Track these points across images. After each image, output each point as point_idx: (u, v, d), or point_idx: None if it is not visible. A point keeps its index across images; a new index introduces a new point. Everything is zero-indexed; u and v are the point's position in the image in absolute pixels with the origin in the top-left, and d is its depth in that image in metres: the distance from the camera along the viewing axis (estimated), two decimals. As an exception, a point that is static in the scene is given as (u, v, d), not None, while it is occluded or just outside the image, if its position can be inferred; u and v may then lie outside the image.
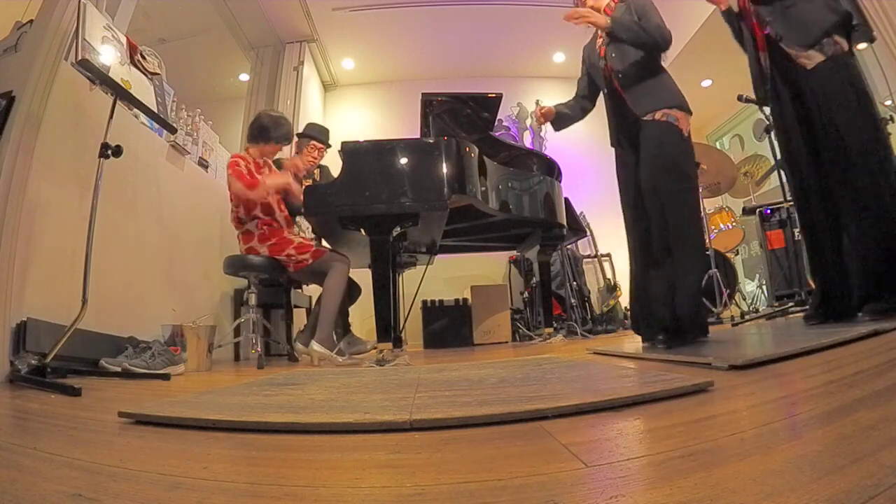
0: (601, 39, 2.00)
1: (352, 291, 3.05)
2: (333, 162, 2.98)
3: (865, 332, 1.30)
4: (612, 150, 2.10)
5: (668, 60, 1.99)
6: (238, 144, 4.47)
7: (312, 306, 3.24)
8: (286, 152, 3.27)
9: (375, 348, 2.74)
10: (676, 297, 1.73)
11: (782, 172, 2.51)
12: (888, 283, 1.55)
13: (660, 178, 1.80)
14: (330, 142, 3.09)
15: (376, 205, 2.17)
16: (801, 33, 1.66)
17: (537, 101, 5.77)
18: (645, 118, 1.84)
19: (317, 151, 3.07)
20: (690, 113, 1.88)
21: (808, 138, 1.73)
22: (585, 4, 2.02)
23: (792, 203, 2.18)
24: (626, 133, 1.96)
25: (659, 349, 1.67)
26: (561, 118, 2.16)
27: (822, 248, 1.77)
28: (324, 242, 2.99)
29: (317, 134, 3.07)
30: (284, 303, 3.10)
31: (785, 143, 1.84)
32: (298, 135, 3.10)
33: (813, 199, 1.76)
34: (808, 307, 1.91)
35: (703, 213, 3.35)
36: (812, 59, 1.64)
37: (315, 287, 2.83)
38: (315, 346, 2.39)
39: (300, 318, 3.53)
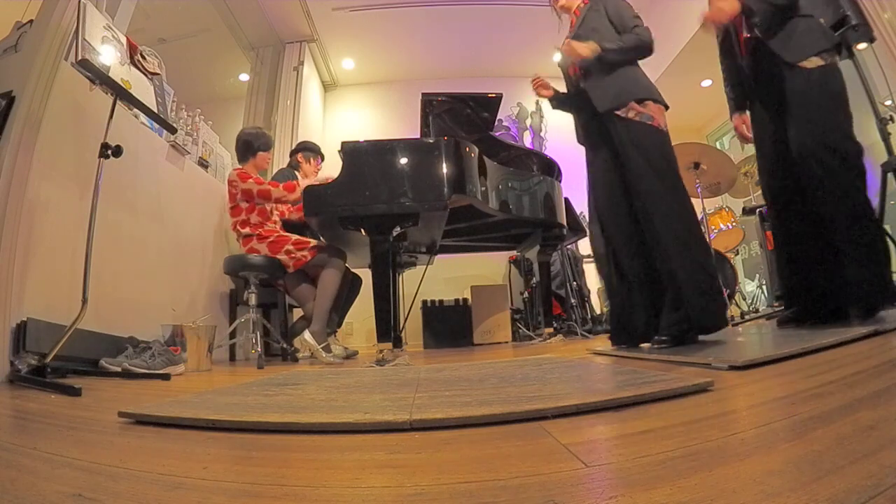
0: (569, 35, 1.98)
1: (353, 284, 3.08)
2: (333, 162, 3.05)
3: (865, 332, 1.30)
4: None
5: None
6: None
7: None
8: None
9: (348, 357, 2.81)
10: (686, 296, 1.67)
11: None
12: (871, 284, 1.56)
13: (646, 185, 1.75)
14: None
15: (376, 205, 2.17)
16: (796, 47, 1.66)
17: (537, 101, 5.78)
18: (618, 114, 1.79)
19: (319, 166, 3.45)
20: (666, 106, 1.82)
21: (786, 140, 1.73)
22: (557, 3, 2.04)
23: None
24: (595, 131, 1.92)
25: (661, 350, 1.64)
26: (560, 99, 2.11)
27: (798, 252, 1.77)
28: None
29: (320, 151, 3.44)
30: (279, 303, 3.12)
31: (764, 143, 1.84)
32: (305, 149, 3.40)
33: (788, 201, 1.77)
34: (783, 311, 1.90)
35: (701, 212, 3.38)
36: (811, 62, 1.64)
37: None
38: (307, 336, 2.44)
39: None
